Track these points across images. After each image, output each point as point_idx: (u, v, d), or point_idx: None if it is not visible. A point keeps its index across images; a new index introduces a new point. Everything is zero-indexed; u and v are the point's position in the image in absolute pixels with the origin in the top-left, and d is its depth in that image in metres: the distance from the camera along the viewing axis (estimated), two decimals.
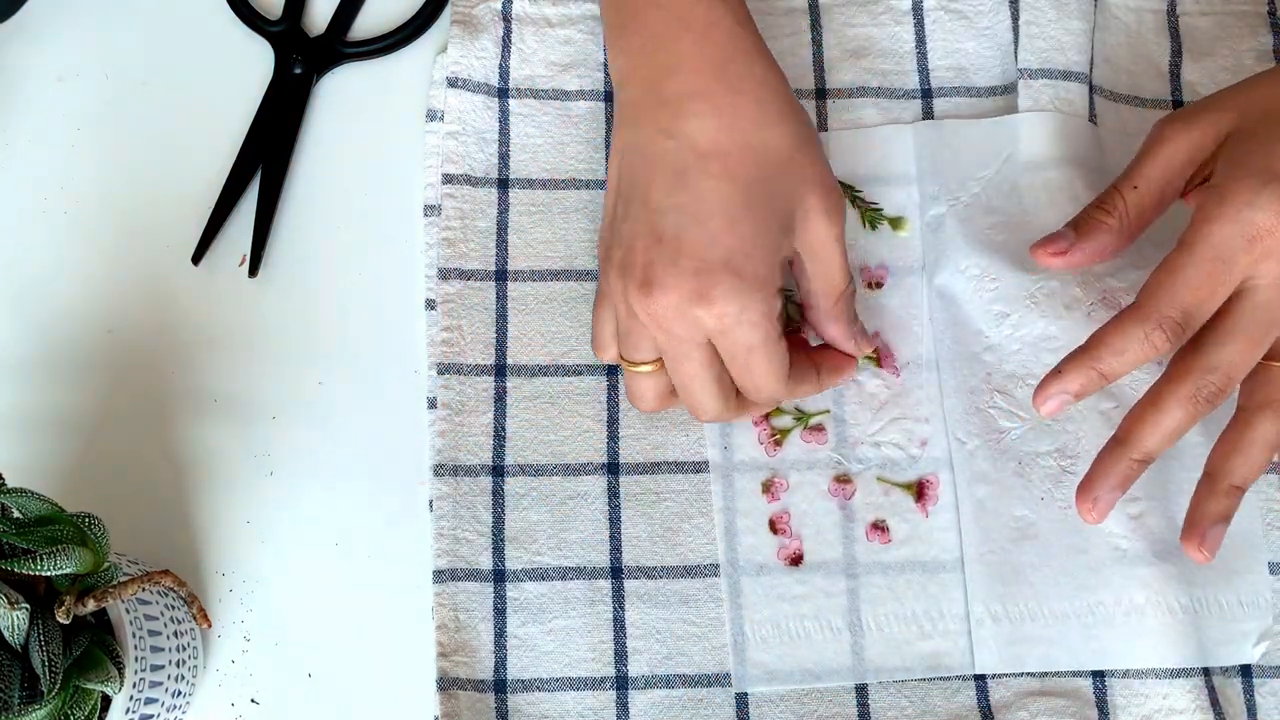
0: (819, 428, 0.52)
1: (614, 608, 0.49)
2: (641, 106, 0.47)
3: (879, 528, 0.50)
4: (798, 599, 0.49)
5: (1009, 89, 0.56)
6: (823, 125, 0.56)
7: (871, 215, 0.54)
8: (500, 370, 0.52)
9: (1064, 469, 0.50)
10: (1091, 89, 0.55)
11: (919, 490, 0.51)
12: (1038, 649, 0.48)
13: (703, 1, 0.46)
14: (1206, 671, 0.48)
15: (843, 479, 0.51)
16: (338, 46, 0.58)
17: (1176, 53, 0.57)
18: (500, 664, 0.48)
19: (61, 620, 0.39)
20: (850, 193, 0.54)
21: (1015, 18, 0.56)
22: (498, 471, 0.51)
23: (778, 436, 0.51)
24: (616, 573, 0.50)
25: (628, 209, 0.46)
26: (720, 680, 0.48)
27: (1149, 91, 0.57)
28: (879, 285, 0.53)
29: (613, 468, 0.51)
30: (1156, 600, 0.48)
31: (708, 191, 0.44)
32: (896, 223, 0.54)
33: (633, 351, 0.47)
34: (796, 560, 0.50)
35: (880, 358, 0.52)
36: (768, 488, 0.51)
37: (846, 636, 0.49)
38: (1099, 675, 0.49)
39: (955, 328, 0.52)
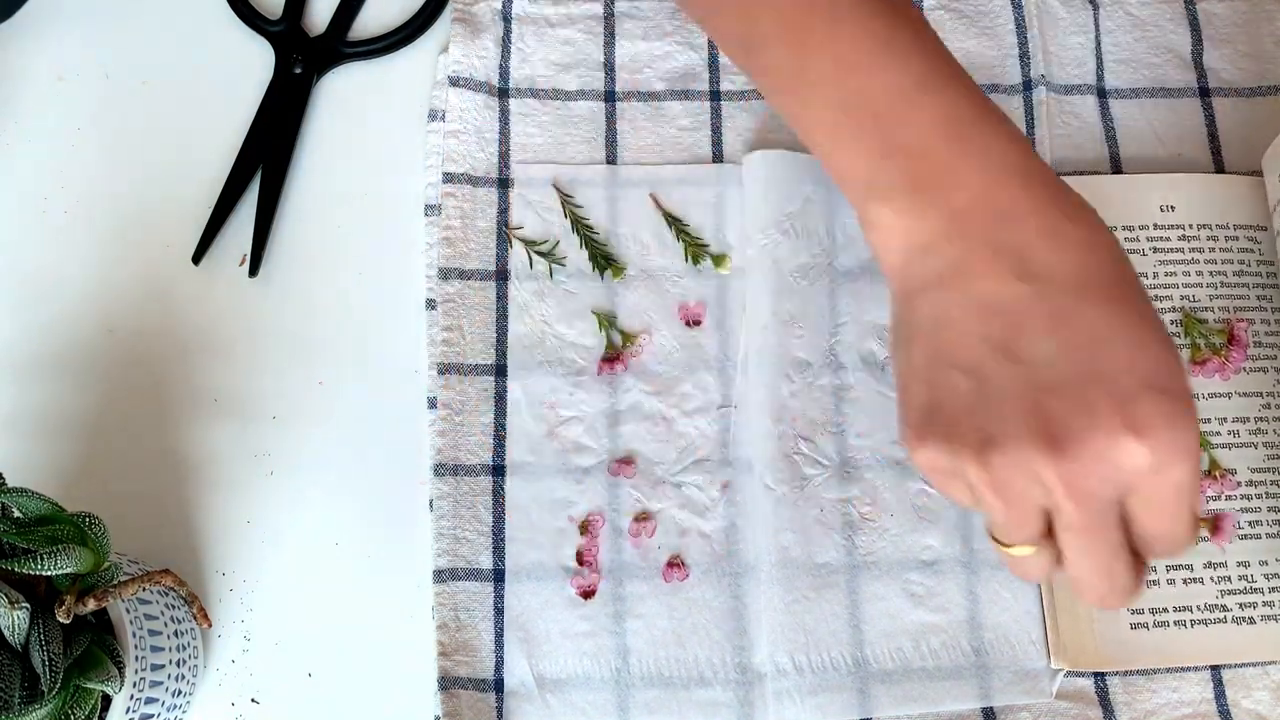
0: (628, 460, 0.51)
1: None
2: (961, 255, 0.39)
3: (674, 565, 0.50)
4: (580, 636, 0.49)
5: (1010, 89, 0.56)
6: None
7: (695, 250, 0.53)
8: (500, 370, 0.52)
9: (863, 516, 0.50)
10: (1105, 94, 0.56)
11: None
12: (841, 696, 0.48)
13: (1007, 140, 0.40)
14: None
15: (642, 517, 0.50)
16: (338, 46, 0.58)
17: (1197, 41, 0.58)
18: (500, 664, 0.48)
19: (62, 620, 0.39)
20: (678, 226, 0.54)
21: (1018, 18, 0.57)
22: (498, 471, 0.51)
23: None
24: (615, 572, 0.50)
25: (978, 375, 0.38)
26: (720, 680, 0.48)
27: (1174, 81, 0.57)
28: (697, 324, 0.53)
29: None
30: (951, 644, 0.49)
31: (1096, 322, 0.37)
32: (719, 260, 0.53)
33: (1014, 533, 0.39)
34: (588, 594, 0.49)
35: None
36: (585, 528, 0.50)
37: (613, 680, 0.48)
38: (1099, 673, 0.49)
39: (768, 371, 0.51)
